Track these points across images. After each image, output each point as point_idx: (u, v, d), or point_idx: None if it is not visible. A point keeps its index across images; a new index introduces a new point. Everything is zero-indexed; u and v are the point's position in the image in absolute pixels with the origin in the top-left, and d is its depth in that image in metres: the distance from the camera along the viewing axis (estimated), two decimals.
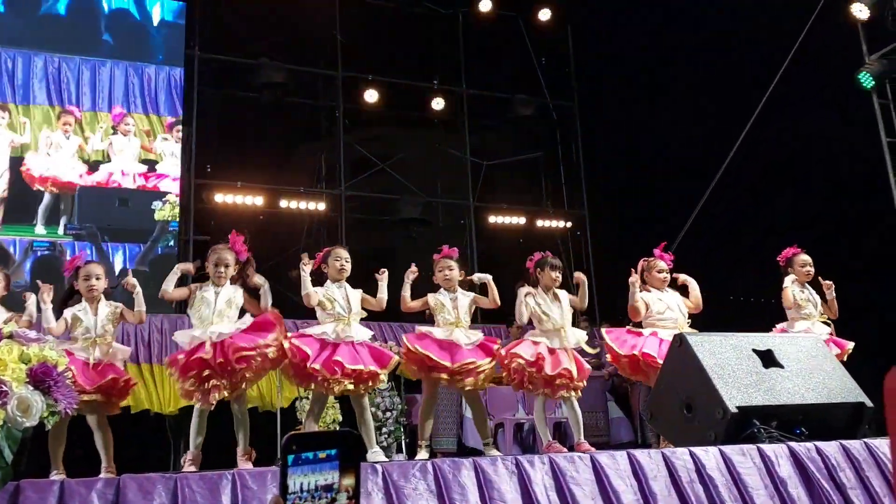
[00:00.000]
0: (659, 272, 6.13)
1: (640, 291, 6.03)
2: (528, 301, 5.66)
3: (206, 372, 4.74)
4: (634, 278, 6.01)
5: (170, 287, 5.07)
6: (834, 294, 6.43)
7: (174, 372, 4.89)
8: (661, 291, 6.11)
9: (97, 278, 5.14)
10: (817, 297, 6.50)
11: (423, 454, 5.35)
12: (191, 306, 5.07)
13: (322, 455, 1.13)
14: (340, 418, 8.04)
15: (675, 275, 6.26)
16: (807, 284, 6.54)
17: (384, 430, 8.29)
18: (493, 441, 8.74)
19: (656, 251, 6.27)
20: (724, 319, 6.07)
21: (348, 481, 1.15)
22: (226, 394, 4.83)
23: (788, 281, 6.52)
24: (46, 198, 9.69)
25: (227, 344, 4.78)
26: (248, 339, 4.86)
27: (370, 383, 5.15)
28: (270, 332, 4.97)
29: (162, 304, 9.41)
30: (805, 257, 6.57)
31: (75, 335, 5.03)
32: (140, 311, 5.21)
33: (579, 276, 5.88)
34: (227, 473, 3.10)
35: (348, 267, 5.36)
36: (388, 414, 8.42)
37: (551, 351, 5.50)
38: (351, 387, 4.99)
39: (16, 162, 9.60)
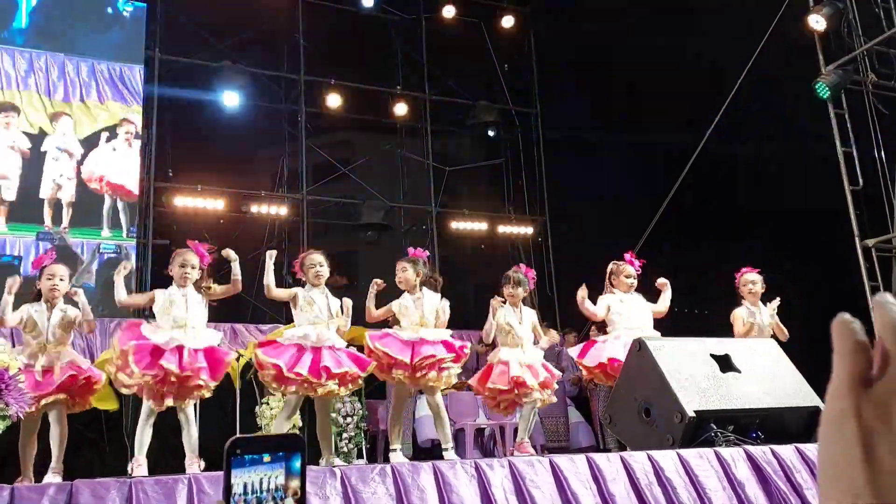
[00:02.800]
0: (626, 277, 6.18)
1: (605, 294, 6.14)
2: (491, 317, 5.74)
3: (171, 378, 4.69)
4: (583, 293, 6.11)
5: (122, 295, 5.02)
6: (777, 319, 6.39)
7: (129, 355, 4.77)
8: (627, 294, 6.15)
9: (60, 279, 5.07)
10: (766, 317, 6.43)
11: (398, 457, 5.25)
12: (158, 309, 4.99)
13: (267, 458, 1.11)
14: (300, 423, 7.97)
15: (659, 282, 6.30)
16: (759, 303, 6.48)
17: (345, 435, 8.22)
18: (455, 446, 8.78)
19: (626, 256, 6.30)
20: (678, 330, 6.13)
21: (294, 484, 1.14)
22: (172, 402, 4.79)
23: (740, 311, 6.45)
24: (107, 201, 9.99)
25: (197, 363, 4.76)
26: (211, 374, 4.88)
27: (350, 385, 5.14)
28: (220, 373, 4.99)
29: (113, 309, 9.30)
30: (749, 276, 6.53)
31: (26, 338, 4.94)
32: (88, 319, 5.13)
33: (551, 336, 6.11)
34: (182, 478, 3.06)
35: (324, 271, 5.30)
36: (349, 419, 8.36)
37: (525, 366, 5.54)
38: (335, 388, 4.97)
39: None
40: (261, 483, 1.10)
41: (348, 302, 5.34)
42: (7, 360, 2.84)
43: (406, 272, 5.57)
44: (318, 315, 5.13)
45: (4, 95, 9.70)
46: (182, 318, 4.91)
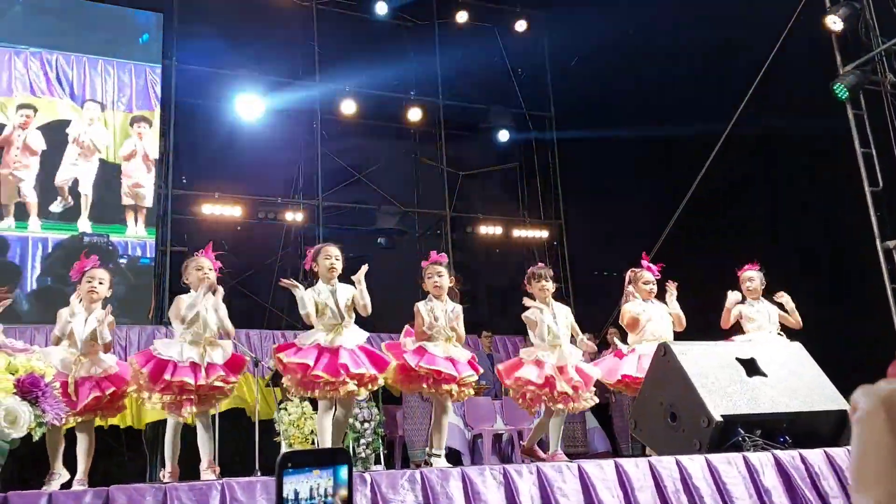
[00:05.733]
0: (645, 283, 6.10)
1: (627, 302, 6.05)
2: (532, 315, 5.52)
3: (185, 394, 4.71)
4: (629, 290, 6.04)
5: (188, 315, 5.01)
6: (792, 304, 6.35)
7: (144, 375, 4.76)
8: (647, 303, 6.08)
9: (100, 282, 5.04)
10: (771, 310, 6.40)
11: (441, 462, 5.08)
12: (182, 317, 4.96)
13: (316, 472, 1.20)
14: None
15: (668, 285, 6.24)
16: (762, 298, 6.45)
17: (362, 441, 8.20)
18: (471, 451, 8.75)
19: (643, 262, 6.24)
20: (700, 330, 6.09)
21: (342, 492, 1.22)
22: (194, 409, 4.78)
23: (730, 302, 6.44)
24: None
25: (213, 372, 4.80)
26: (229, 374, 4.92)
27: (370, 385, 5.02)
28: (239, 374, 5.02)
29: (131, 315, 9.33)
30: (747, 274, 6.52)
31: (62, 344, 4.91)
32: (108, 340, 5.02)
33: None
34: (216, 484, 3.06)
35: (339, 265, 5.17)
36: (367, 425, 8.34)
37: (560, 369, 5.36)
38: (354, 388, 4.89)
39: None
40: (311, 491, 1.18)
41: (361, 280, 5.20)
42: (43, 368, 2.84)
43: (443, 277, 5.36)
44: (333, 320, 5.05)
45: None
46: (199, 332, 4.91)
